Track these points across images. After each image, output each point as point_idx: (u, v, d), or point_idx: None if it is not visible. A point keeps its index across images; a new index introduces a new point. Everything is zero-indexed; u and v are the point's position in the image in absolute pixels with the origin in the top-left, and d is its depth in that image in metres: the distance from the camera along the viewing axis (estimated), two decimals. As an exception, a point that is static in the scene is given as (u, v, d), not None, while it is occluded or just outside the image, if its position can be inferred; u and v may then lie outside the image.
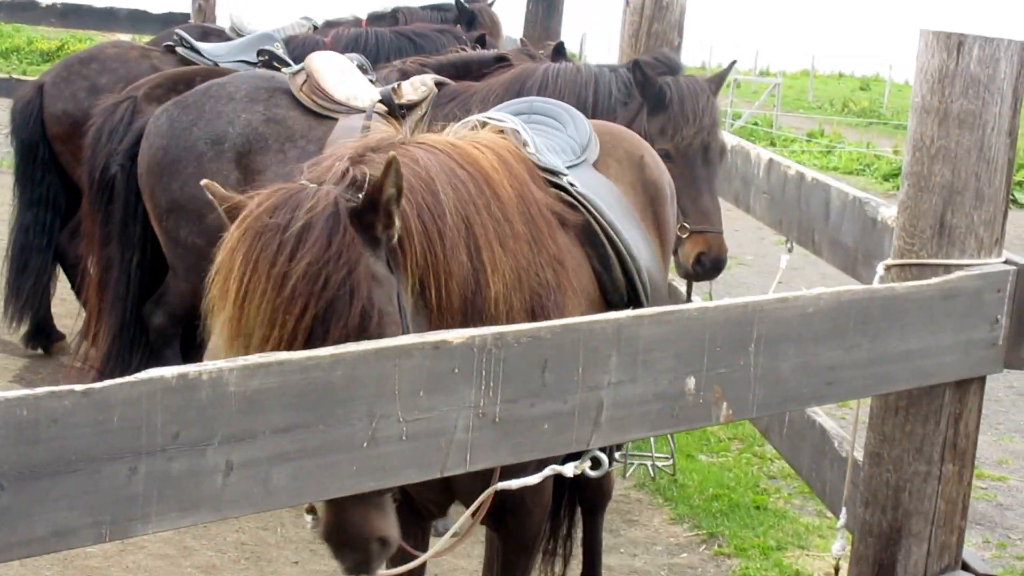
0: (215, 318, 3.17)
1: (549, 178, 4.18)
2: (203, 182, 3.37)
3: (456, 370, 2.66)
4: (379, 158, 3.31)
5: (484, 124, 4.31)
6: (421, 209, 3.33)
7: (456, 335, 2.67)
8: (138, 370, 2.35)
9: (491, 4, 11.75)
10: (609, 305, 4.22)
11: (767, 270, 6.15)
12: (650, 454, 7.48)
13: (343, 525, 3.09)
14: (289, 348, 2.95)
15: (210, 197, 3.31)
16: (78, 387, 2.20)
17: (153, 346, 6.76)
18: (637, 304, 4.24)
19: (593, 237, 4.27)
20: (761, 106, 30.20)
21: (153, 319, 6.65)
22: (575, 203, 4.22)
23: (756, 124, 27.91)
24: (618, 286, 4.33)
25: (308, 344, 2.95)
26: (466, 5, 10.81)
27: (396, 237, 3.20)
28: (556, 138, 4.59)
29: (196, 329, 6.66)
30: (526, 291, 3.67)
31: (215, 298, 3.15)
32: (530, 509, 4.19)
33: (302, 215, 3.08)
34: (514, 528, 4.27)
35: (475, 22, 10.49)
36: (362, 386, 2.53)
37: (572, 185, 4.27)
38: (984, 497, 7.68)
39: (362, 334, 2.99)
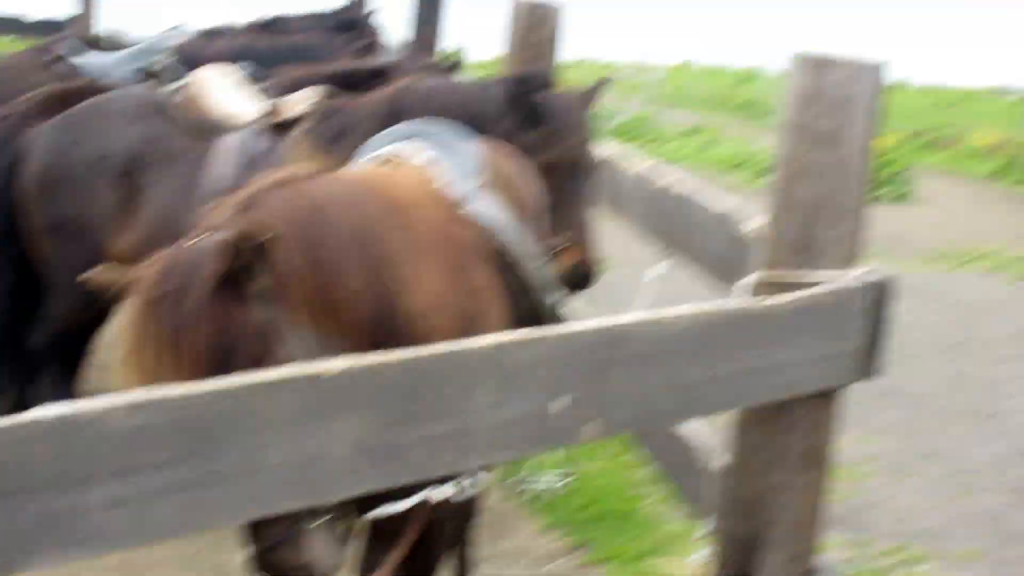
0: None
1: (462, 210, 4.27)
2: (92, 272, 3.47)
3: (332, 400, 2.76)
4: (273, 199, 3.41)
5: (392, 156, 4.39)
6: (300, 245, 3.40)
7: (332, 365, 2.77)
8: (19, 394, 2.42)
9: (374, 13, 11.82)
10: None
11: (641, 274, 6.24)
12: (547, 474, 7.52)
13: (265, 557, 3.18)
14: None
15: (104, 281, 3.40)
16: (-37, 429, 2.27)
17: (33, 368, 6.77)
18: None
19: (508, 266, 4.38)
20: (641, 102, 30.36)
21: (32, 341, 6.65)
22: (488, 232, 4.32)
23: (635, 121, 28.06)
24: (532, 313, 4.43)
25: None
26: (350, 14, 10.88)
27: (274, 278, 3.30)
28: (450, 163, 4.68)
29: (76, 349, 6.71)
30: (450, 316, 3.74)
31: (115, 369, 3.29)
32: (435, 532, 4.25)
33: (183, 283, 3.21)
34: (419, 554, 4.32)
35: (358, 30, 10.56)
36: (242, 419, 2.61)
37: (478, 213, 4.36)
38: (845, 498, 7.84)
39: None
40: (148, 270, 3.28)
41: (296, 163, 3.84)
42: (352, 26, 10.65)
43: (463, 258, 3.93)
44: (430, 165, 4.35)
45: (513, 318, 4.36)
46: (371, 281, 3.52)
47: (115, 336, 3.30)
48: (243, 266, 3.21)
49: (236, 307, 3.18)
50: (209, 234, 3.31)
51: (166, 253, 3.32)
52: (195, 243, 3.31)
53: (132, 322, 3.21)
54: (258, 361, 3.14)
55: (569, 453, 8.04)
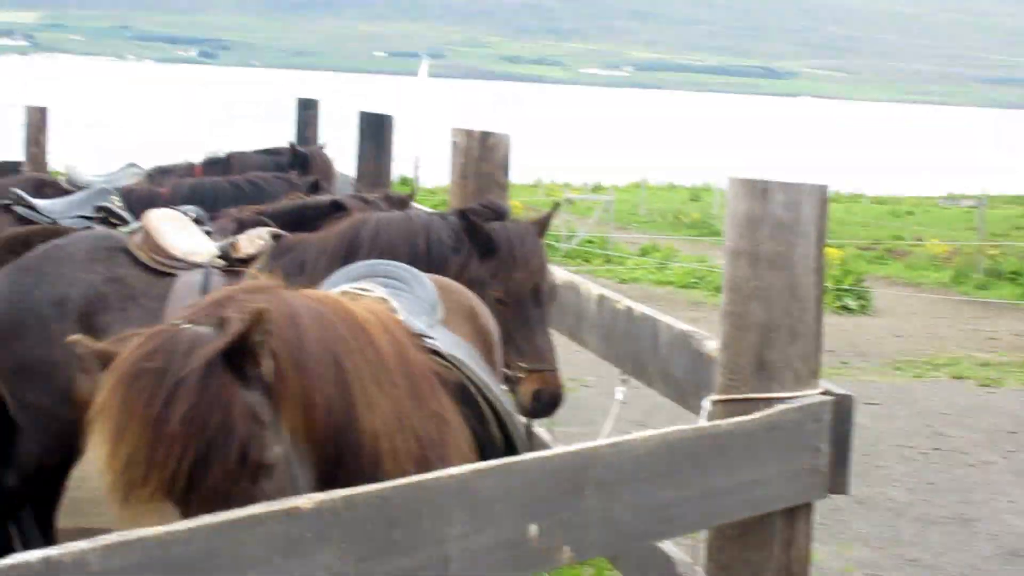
0: (95, 464, 3.22)
1: (422, 343, 4.31)
2: (72, 338, 3.45)
3: (308, 534, 2.78)
4: (250, 299, 3.42)
5: (350, 292, 4.44)
6: (287, 344, 3.40)
7: (306, 500, 2.80)
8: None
9: (323, 147, 11.94)
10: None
11: (608, 390, 6.31)
12: None
13: None
14: (170, 492, 3.06)
15: (81, 352, 3.39)
16: (-57, 580, 2.29)
17: (5, 509, 6.76)
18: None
19: (469, 397, 4.39)
20: (595, 224, 30.59)
21: (4, 481, 6.66)
22: (449, 364, 4.35)
23: (591, 243, 28.26)
24: (495, 441, 4.46)
25: (190, 487, 3.07)
26: (299, 149, 10.98)
27: (269, 375, 3.29)
28: (407, 300, 4.72)
29: (49, 489, 6.70)
30: (411, 439, 3.74)
31: (94, 444, 3.21)
32: None
33: (177, 358, 3.16)
34: None
35: (308, 165, 10.67)
36: (219, 556, 2.63)
37: (438, 348, 4.39)
38: (830, 609, 7.91)
39: (244, 471, 3.12)
40: (132, 345, 3.25)
41: (261, 279, 3.82)
42: (303, 161, 10.76)
43: (422, 386, 3.96)
44: (387, 302, 4.40)
45: (477, 447, 4.38)
46: (337, 395, 3.52)
47: (92, 413, 3.24)
48: (248, 347, 3.23)
49: (231, 386, 3.17)
50: (187, 325, 3.30)
51: (149, 332, 3.29)
52: (176, 328, 3.29)
53: (113, 395, 3.17)
54: (244, 445, 3.13)
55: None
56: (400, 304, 4.46)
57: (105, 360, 3.30)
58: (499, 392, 4.65)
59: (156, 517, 3.04)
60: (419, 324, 4.45)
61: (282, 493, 3.18)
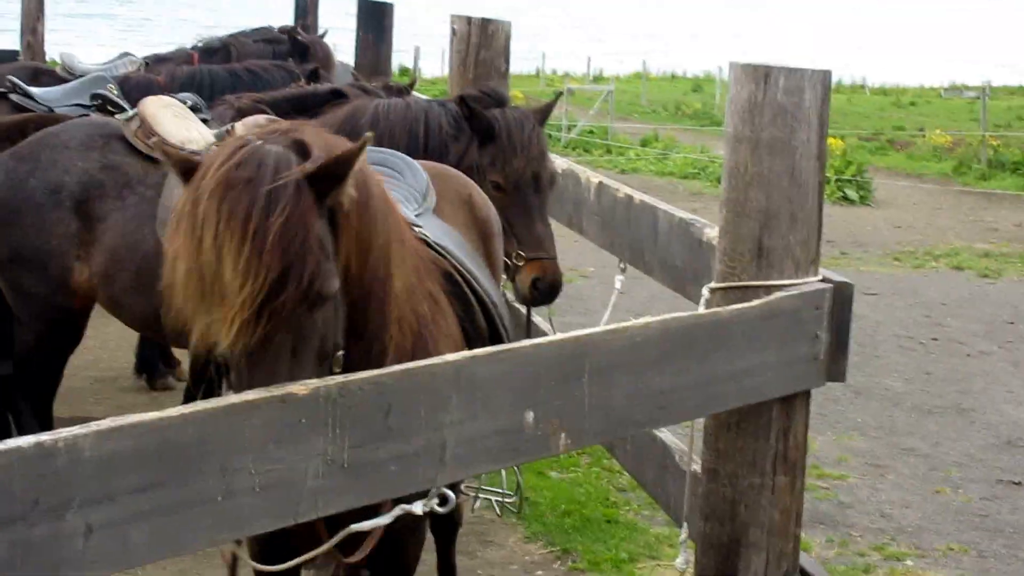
0: (175, 272, 3.16)
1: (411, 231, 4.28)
2: (152, 140, 3.38)
3: (303, 420, 2.77)
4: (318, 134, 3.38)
5: None
6: (357, 185, 3.33)
7: (301, 387, 2.79)
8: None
9: (323, 35, 11.84)
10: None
11: (607, 281, 6.29)
12: (499, 490, 7.53)
13: None
14: (256, 302, 3.03)
15: (163, 157, 3.36)
16: (-62, 462, 2.28)
17: (2, 399, 6.78)
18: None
19: (455, 287, 4.38)
20: (595, 114, 30.49)
21: (2, 369, 6.67)
22: (437, 253, 4.33)
23: (591, 133, 28.18)
24: (480, 332, 4.45)
25: (269, 299, 3.04)
26: (299, 38, 10.89)
27: (350, 206, 3.27)
28: (398, 189, 4.69)
29: (45, 378, 6.71)
30: (412, 312, 3.74)
31: (179, 250, 3.15)
32: (406, 544, 4.26)
33: (268, 173, 3.12)
34: (392, 564, 4.34)
35: (308, 54, 10.58)
36: (214, 443, 2.63)
37: (426, 236, 4.37)
38: (826, 496, 7.93)
39: (310, 295, 3.10)
40: (219, 155, 3.21)
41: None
42: (303, 50, 10.67)
43: (419, 265, 3.94)
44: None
45: (466, 335, 4.38)
46: (385, 247, 3.50)
47: (177, 218, 3.19)
48: (335, 175, 3.20)
49: (312, 210, 3.14)
50: (260, 143, 3.24)
51: (234, 146, 3.25)
52: (259, 145, 3.24)
53: (209, 201, 3.10)
54: (315, 270, 3.09)
55: (542, 462, 8.07)
56: (392, 191, 4.44)
57: (187, 168, 3.25)
58: (488, 282, 4.64)
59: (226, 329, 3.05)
60: (408, 212, 4.43)
61: (328, 326, 3.24)
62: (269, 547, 3.96)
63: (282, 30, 11.19)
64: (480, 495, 7.21)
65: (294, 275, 3.07)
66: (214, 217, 3.09)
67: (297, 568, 4.19)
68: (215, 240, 3.08)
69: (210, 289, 3.09)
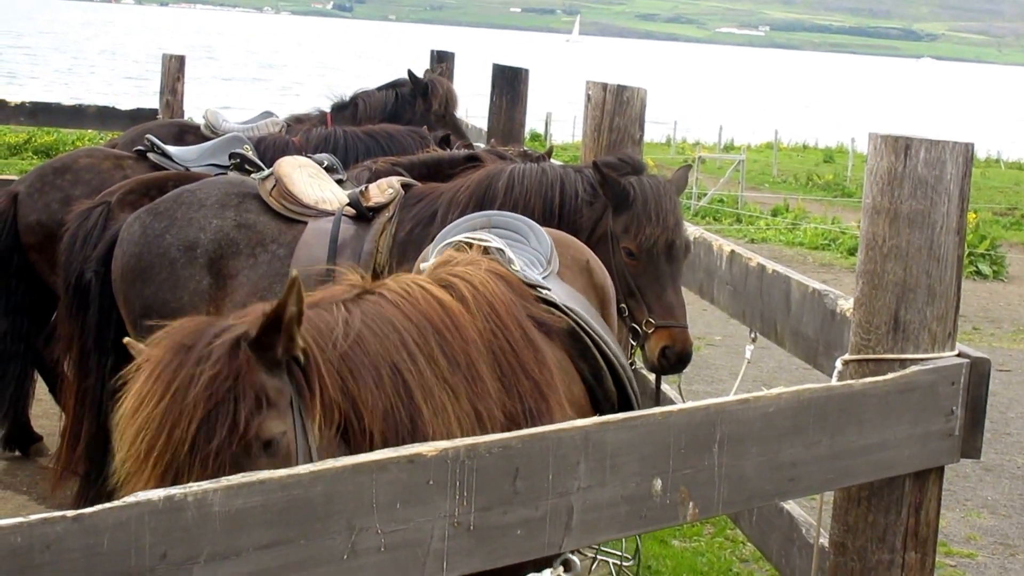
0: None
1: (536, 293, 4.28)
2: (125, 341, 3.53)
3: (431, 482, 2.77)
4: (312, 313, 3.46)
5: (469, 244, 4.44)
6: (332, 349, 3.43)
7: (430, 448, 2.78)
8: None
9: (441, 73, 11.91)
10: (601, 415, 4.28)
11: (735, 350, 6.27)
12: (618, 552, 7.48)
13: None
14: (175, 455, 3.11)
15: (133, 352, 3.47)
16: (69, 513, 2.29)
17: None
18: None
19: (585, 351, 4.37)
20: (726, 183, 30.40)
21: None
22: (560, 313, 4.32)
23: (721, 202, 28.08)
24: (610, 396, 4.43)
25: (192, 453, 3.10)
26: (418, 77, 10.97)
27: (301, 360, 3.32)
28: (523, 251, 4.69)
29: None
30: (494, 428, 3.74)
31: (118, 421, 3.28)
32: None
33: (203, 341, 3.25)
34: None
35: (429, 92, 10.67)
36: (341, 501, 2.63)
37: (553, 299, 4.36)
38: (953, 574, 7.79)
39: (243, 442, 3.14)
40: (169, 330, 3.34)
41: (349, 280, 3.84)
42: (424, 90, 10.77)
43: (523, 356, 3.92)
44: (503, 252, 4.39)
45: (591, 401, 4.36)
46: (401, 407, 3.53)
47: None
48: (288, 331, 3.26)
49: (245, 363, 3.21)
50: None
51: (185, 321, 3.38)
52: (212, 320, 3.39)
53: (139, 374, 3.26)
54: (248, 425, 3.14)
55: (663, 531, 8.00)
56: (516, 255, 4.44)
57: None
58: (615, 346, 4.61)
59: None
60: (534, 275, 4.42)
61: None
62: None
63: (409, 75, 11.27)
64: (599, 556, 7.16)
65: (220, 422, 3.13)
66: (140, 386, 3.24)
67: None
68: (136, 403, 3.22)
69: (136, 452, 3.19)
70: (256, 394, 3.20)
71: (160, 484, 3.06)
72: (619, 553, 7.21)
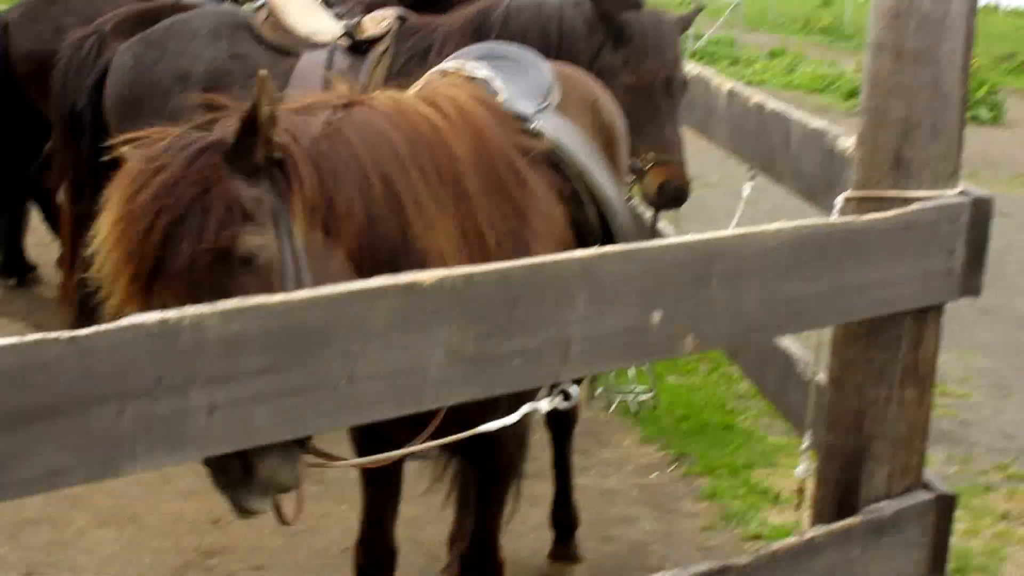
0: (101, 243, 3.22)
1: (521, 125, 4.24)
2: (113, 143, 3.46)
3: (428, 309, 2.74)
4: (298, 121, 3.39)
5: (452, 70, 4.39)
6: (317, 154, 3.36)
7: (428, 276, 2.75)
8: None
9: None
10: (584, 246, 4.26)
11: (732, 191, 6.20)
12: (631, 388, 7.54)
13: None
14: (140, 265, 3.07)
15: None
16: (64, 334, 2.26)
17: None
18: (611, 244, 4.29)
19: (569, 181, 4.35)
20: (723, 25, 30.13)
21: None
22: (548, 145, 4.29)
23: (718, 44, 27.86)
24: (592, 228, 4.40)
25: (161, 260, 3.06)
26: None
27: (280, 163, 3.25)
28: (520, 83, 4.63)
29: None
30: (479, 248, 3.72)
31: (102, 228, 3.20)
32: (508, 442, 4.26)
33: (173, 152, 3.17)
34: (496, 461, 4.34)
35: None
36: (338, 327, 2.61)
37: (541, 129, 4.32)
38: (948, 414, 7.83)
39: (220, 250, 3.09)
40: (141, 144, 3.25)
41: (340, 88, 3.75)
42: None
43: (505, 178, 3.89)
44: (490, 82, 4.34)
45: (577, 230, 4.35)
46: (389, 214, 3.47)
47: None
48: (265, 134, 3.18)
49: (217, 172, 3.13)
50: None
51: (157, 133, 3.28)
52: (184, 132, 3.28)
53: (112, 190, 3.17)
54: (222, 231, 3.09)
55: (660, 366, 8.05)
56: (507, 86, 4.38)
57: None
58: (606, 180, 4.56)
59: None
60: (522, 106, 4.37)
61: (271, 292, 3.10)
62: (367, 439, 3.98)
63: None
64: (619, 392, 7.22)
65: (188, 231, 3.07)
66: (114, 195, 3.15)
67: (400, 461, 4.20)
68: (111, 216, 3.14)
69: (111, 270, 3.14)
70: (228, 204, 3.12)
71: (144, 307, 3.02)
72: (633, 389, 7.27)
